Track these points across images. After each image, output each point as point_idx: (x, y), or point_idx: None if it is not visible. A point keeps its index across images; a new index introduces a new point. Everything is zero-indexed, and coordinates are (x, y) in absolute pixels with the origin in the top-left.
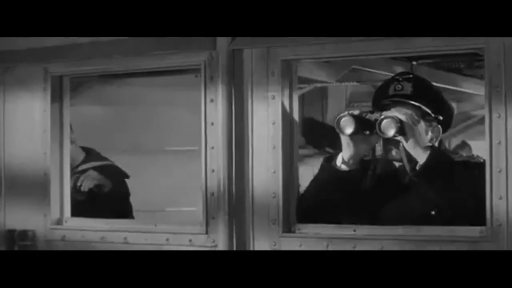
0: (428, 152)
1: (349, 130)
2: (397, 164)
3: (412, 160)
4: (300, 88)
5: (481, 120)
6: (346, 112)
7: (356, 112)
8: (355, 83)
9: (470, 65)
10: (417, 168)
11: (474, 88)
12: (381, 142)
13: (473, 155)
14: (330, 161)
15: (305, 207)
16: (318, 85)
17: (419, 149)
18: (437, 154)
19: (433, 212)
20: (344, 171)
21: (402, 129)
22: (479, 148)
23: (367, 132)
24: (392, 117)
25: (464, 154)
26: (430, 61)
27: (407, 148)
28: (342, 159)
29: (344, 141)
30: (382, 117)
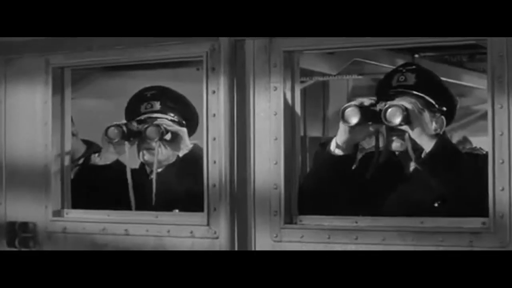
0: (435, 140)
1: (354, 120)
2: (399, 154)
3: (417, 149)
4: (302, 82)
5: (483, 116)
6: (351, 102)
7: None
8: (356, 76)
9: (472, 58)
10: (423, 156)
11: (476, 82)
12: (384, 132)
13: (475, 147)
14: (324, 147)
15: (305, 196)
16: (320, 78)
17: (425, 136)
18: (444, 142)
19: (436, 204)
20: (338, 156)
21: (408, 117)
22: (480, 144)
23: (370, 123)
24: (397, 105)
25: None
26: (432, 54)
27: (413, 137)
28: (336, 144)
29: (342, 126)
30: (387, 105)
